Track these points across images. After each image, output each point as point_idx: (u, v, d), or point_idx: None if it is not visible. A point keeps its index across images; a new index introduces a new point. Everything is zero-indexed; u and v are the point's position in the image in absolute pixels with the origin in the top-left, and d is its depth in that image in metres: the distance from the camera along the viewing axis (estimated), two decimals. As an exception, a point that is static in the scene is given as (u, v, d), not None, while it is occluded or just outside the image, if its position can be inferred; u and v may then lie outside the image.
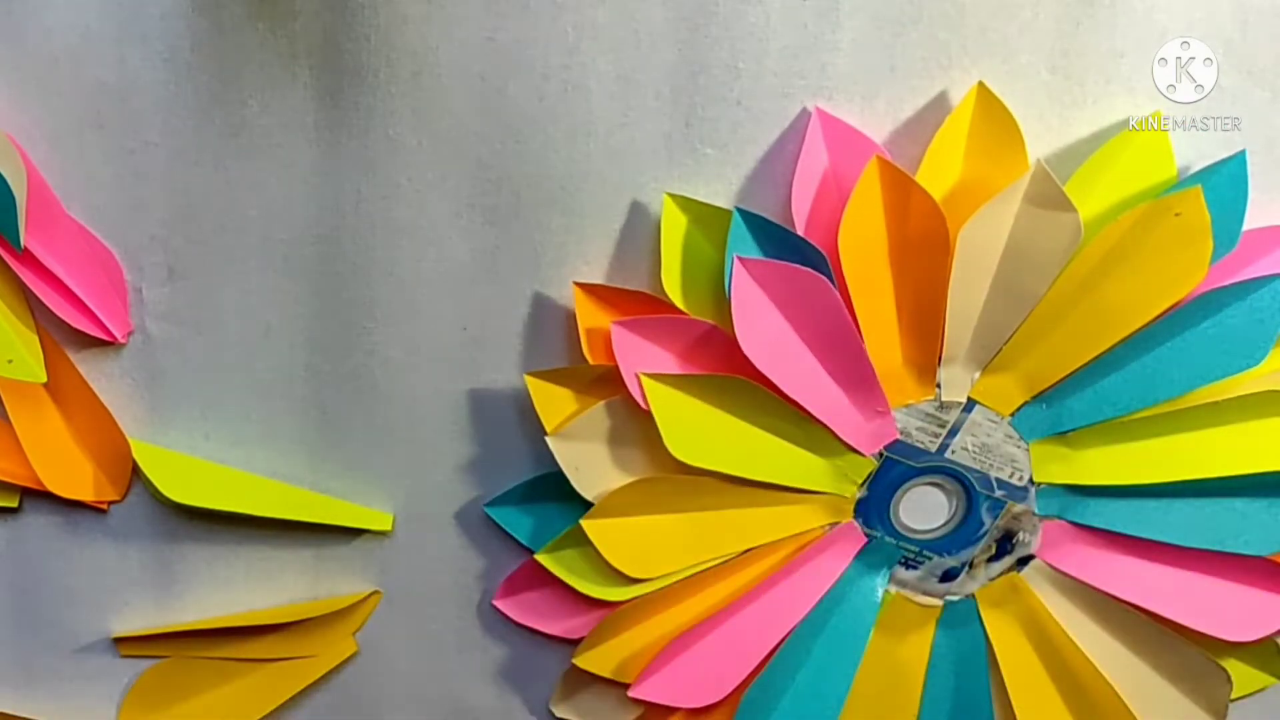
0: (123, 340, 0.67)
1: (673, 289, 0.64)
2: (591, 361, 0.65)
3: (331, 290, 0.67)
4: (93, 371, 0.68)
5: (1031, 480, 0.67)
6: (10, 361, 0.66)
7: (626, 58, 0.62)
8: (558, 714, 0.75)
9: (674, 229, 0.63)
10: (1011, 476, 0.67)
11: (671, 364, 0.65)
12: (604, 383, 0.66)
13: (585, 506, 0.66)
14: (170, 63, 0.62)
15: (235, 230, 0.66)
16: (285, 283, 0.67)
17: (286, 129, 0.64)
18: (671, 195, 0.63)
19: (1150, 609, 0.68)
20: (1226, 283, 0.62)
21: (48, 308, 0.65)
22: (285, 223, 0.65)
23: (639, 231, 0.65)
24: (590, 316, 0.65)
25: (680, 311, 0.64)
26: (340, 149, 0.64)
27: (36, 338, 0.67)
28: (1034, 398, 0.65)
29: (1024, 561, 0.69)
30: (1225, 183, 0.62)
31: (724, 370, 0.64)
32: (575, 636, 0.71)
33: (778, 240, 0.62)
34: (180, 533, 0.71)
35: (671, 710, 0.72)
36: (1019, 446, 0.67)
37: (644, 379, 0.63)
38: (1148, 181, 0.63)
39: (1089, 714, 0.70)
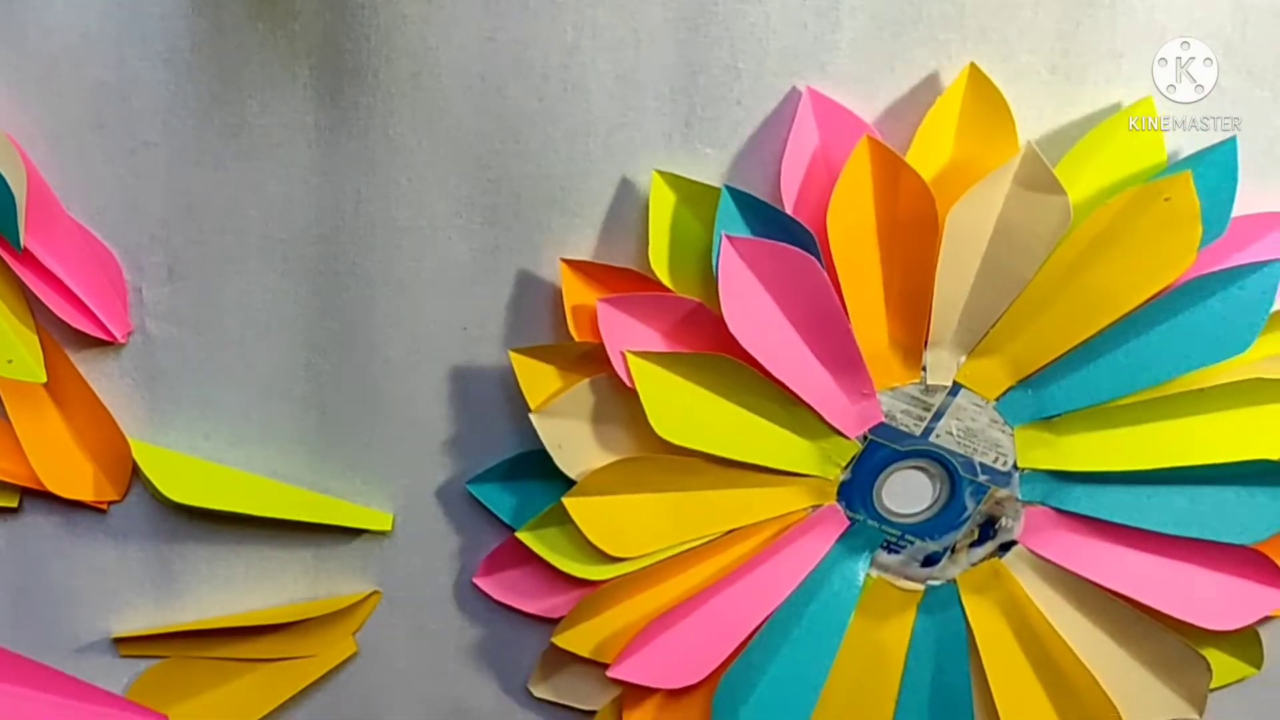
0: (123, 340, 0.67)
1: (660, 267, 0.63)
2: (577, 338, 0.64)
3: (331, 290, 0.67)
4: (93, 371, 0.68)
5: (1015, 465, 0.67)
6: (10, 361, 0.66)
7: (626, 58, 0.62)
8: (536, 694, 0.74)
9: (662, 206, 0.63)
10: (995, 461, 0.67)
11: (657, 342, 0.64)
12: (589, 360, 0.65)
13: (568, 485, 0.65)
14: (170, 63, 0.62)
15: (235, 230, 0.66)
16: (285, 283, 0.67)
17: (286, 129, 0.64)
18: (660, 172, 0.63)
19: (1132, 596, 0.68)
20: (1215, 269, 0.62)
21: (48, 308, 0.65)
22: (285, 223, 0.65)
23: (627, 209, 0.65)
24: (577, 293, 0.64)
25: (667, 289, 0.64)
26: (340, 149, 0.64)
27: (36, 338, 0.67)
28: (1019, 382, 0.65)
29: (1006, 547, 0.69)
30: (1215, 169, 0.61)
31: (710, 349, 0.63)
32: (555, 615, 0.70)
33: (766, 219, 0.62)
34: (180, 533, 0.71)
35: (650, 691, 0.71)
36: (1003, 431, 0.66)
37: (629, 357, 0.62)
38: (1138, 166, 0.62)
39: (1068, 700, 0.70)
